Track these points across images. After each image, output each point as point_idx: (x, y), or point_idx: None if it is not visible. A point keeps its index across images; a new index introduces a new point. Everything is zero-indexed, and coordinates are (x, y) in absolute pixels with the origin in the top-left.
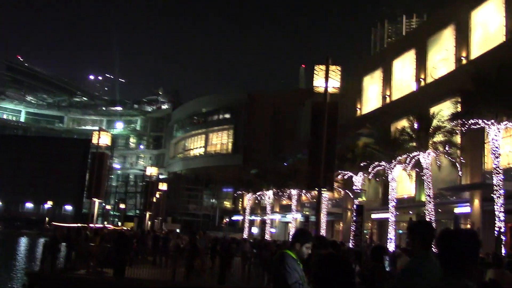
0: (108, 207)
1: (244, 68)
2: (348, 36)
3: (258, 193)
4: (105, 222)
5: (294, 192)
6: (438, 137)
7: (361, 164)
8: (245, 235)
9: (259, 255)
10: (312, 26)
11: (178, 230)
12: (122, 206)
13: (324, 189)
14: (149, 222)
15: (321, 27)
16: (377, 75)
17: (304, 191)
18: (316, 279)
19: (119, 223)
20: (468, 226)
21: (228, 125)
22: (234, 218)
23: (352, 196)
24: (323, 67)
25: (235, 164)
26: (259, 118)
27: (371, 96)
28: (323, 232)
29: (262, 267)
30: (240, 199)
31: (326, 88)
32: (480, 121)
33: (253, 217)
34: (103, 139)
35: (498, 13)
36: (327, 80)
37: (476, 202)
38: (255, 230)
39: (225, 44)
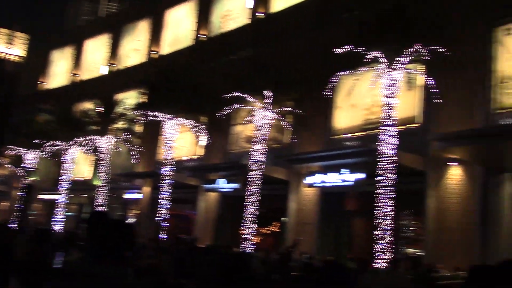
0: None
1: None
2: (40, 4)
3: None
4: None
5: None
6: (120, 124)
7: (37, 141)
8: None
9: None
10: None
11: None
12: None
13: None
14: None
15: None
16: (68, 51)
17: None
18: None
19: None
20: (137, 211)
21: None
22: None
23: (22, 174)
24: (6, 31)
25: None
26: None
27: (59, 71)
28: None
29: None
30: None
31: (5, 54)
32: (159, 114)
33: None
34: None
35: (189, 17)
36: (9, 46)
37: (147, 189)
38: None
39: None
